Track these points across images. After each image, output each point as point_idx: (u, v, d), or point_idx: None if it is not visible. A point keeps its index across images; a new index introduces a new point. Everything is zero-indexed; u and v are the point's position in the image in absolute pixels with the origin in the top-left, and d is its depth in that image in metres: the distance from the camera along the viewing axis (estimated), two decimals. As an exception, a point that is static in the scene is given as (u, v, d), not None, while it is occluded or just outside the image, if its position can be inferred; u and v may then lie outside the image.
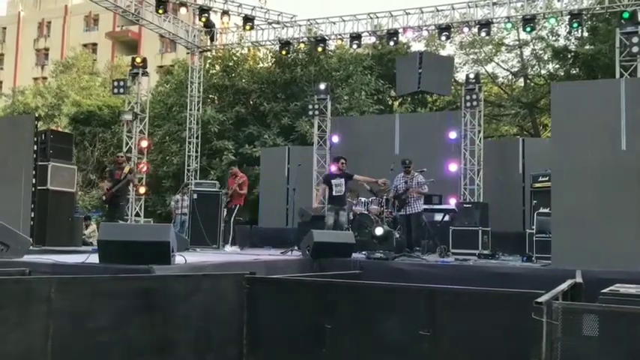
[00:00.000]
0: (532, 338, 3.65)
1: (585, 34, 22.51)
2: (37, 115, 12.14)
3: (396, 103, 27.73)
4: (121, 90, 16.43)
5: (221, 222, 11.26)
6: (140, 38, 43.52)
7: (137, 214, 15.98)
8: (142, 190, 16.04)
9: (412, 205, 10.68)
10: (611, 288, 4.60)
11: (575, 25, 14.73)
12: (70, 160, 11.91)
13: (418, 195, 10.75)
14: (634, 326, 3.53)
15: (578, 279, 5.95)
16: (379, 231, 10.70)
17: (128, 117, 16.23)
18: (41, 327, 4.37)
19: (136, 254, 5.88)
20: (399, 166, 11.13)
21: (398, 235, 11.14)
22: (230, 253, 10.31)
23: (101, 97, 31.19)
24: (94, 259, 6.26)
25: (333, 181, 10.97)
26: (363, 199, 12.63)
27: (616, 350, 3.52)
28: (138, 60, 16.54)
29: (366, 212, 12.26)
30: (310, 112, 16.70)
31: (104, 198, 11.64)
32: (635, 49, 12.29)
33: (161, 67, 37.94)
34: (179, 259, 6.51)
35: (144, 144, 16.21)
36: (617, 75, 12.46)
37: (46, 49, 49.59)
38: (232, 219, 11.30)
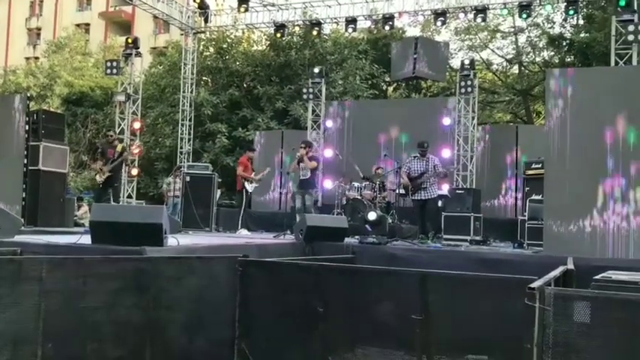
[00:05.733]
0: (524, 324, 3.66)
1: (581, 21, 22.49)
2: (28, 95, 12.02)
3: (391, 89, 27.67)
4: (114, 71, 16.29)
5: (213, 205, 11.27)
6: (133, 19, 43.03)
7: (129, 196, 15.93)
8: (135, 171, 15.98)
9: (428, 189, 10.33)
10: (603, 275, 4.62)
11: (570, 12, 14.72)
12: (62, 140, 11.80)
13: (434, 180, 10.44)
14: (625, 313, 3.55)
15: (570, 266, 5.99)
16: (372, 216, 10.73)
17: (121, 98, 16.12)
18: (33, 307, 4.37)
19: (128, 235, 5.85)
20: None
21: (391, 220, 11.15)
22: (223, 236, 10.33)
23: (94, 77, 30.92)
24: (86, 239, 6.23)
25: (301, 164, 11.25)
26: (356, 184, 12.62)
27: (607, 336, 3.54)
28: (129, 40, 16.39)
29: (359, 197, 12.26)
30: (304, 96, 16.61)
31: (98, 178, 11.41)
32: (630, 37, 12.23)
33: (154, 48, 37.57)
34: (172, 241, 6.49)
35: (136, 125, 16.09)
36: (612, 63, 12.42)
37: (38, 29, 48.90)
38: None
